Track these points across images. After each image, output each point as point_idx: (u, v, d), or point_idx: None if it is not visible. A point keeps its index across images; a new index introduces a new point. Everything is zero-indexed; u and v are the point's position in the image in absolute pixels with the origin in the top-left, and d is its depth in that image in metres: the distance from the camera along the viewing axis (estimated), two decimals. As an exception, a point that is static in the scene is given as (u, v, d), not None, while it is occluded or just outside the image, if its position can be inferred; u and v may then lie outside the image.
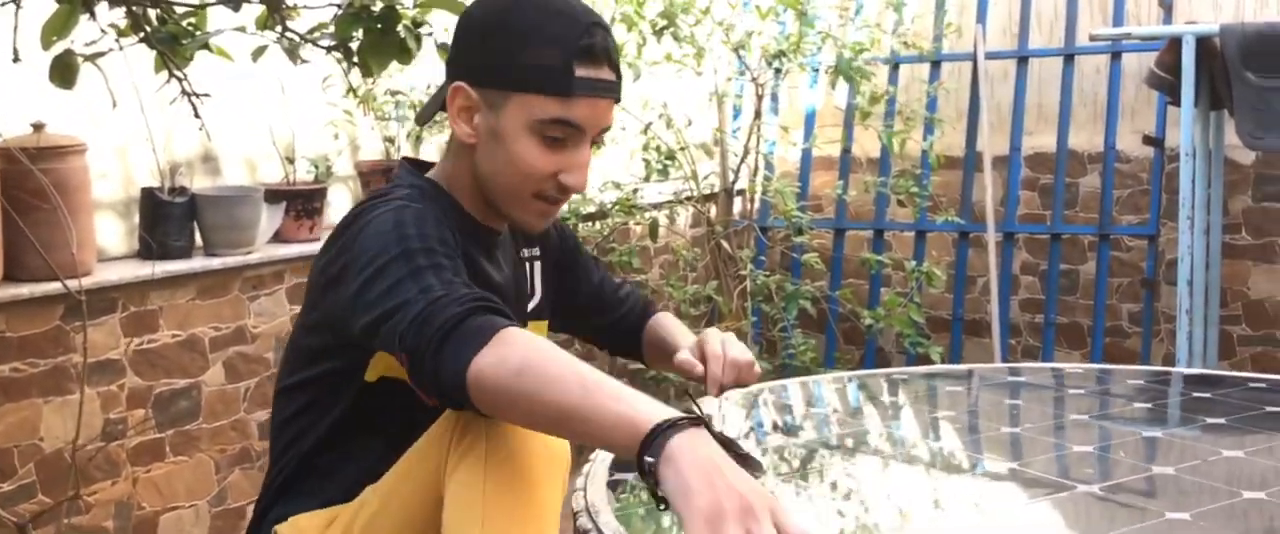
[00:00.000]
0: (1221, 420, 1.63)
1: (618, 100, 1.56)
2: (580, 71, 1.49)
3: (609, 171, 3.89)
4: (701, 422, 1.13)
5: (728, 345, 1.67)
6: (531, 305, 1.75)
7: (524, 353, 1.22)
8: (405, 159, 1.71)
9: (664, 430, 1.10)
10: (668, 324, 1.89)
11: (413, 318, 1.30)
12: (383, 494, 1.45)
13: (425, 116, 1.74)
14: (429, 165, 1.69)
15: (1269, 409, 1.68)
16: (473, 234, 1.59)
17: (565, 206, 1.92)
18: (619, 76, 1.56)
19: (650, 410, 1.13)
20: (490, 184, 1.58)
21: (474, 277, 1.52)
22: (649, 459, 1.10)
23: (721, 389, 1.63)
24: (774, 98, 4.42)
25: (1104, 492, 1.33)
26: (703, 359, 1.66)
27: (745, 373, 1.65)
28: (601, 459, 1.47)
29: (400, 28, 2.12)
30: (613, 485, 1.37)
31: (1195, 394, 1.81)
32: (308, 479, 1.59)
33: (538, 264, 1.78)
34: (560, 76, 1.48)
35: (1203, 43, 3.47)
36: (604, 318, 1.87)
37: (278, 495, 1.62)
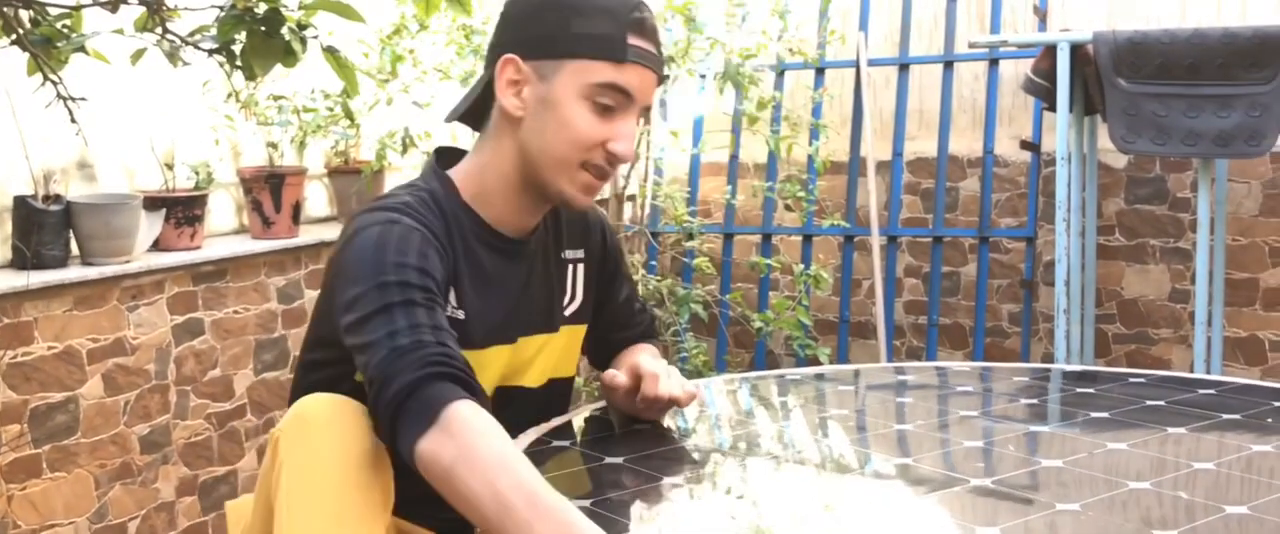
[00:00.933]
0: (1105, 415, 1.67)
1: (661, 80, 1.60)
2: (632, 41, 1.55)
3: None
4: None
5: (669, 371, 1.67)
6: (571, 309, 1.75)
7: (455, 449, 1.27)
8: (439, 149, 1.71)
9: None
10: (640, 348, 1.86)
11: (375, 365, 1.36)
12: (252, 504, 1.47)
13: (457, 114, 1.71)
14: (462, 154, 1.70)
15: (1149, 403, 1.74)
16: (486, 240, 1.63)
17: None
18: (662, 57, 1.60)
19: None
20: (539, 158, 1.58)
21: (478, 285, 1.58)
22: None
23: (652, 404, 1.63)
24: (662, 104, 4.44)
25: (995, 485, 1.36)
26: (638, 378, 1.65)
27: (682, 401, 1.65)
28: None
29: (285, 30, 2.09)
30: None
31: (1078, 390, 1.86)
32: None
33: (581, 267, 1.77)
34: (615, 43, 1.54)
35: (1077, 50, 3.58)
36: (612, 335, 1.85)
37: None
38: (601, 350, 1.91)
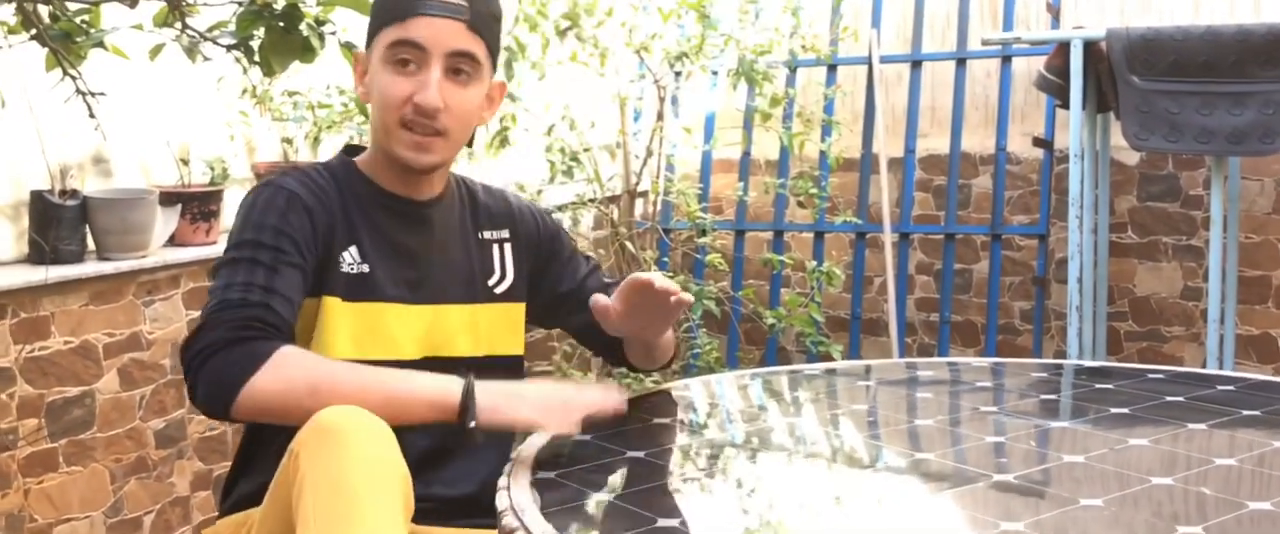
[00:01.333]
0: (1125, 410, 1.67)
1: (469, 24, 1.67)
2: None
3: (513, 173, 3.88)
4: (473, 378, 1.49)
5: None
6: (502, 287, 1.81)
7: (309, 374, 1.46)
8: (347, 145, 1.84)
9: (468, 394, 1.47)
10: None
11: (205, 312, 1.54)
12: (259, 517, 1.49)
13: None
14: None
15: (1168, 399, 1.74)
16: (385, 203, 1.73)
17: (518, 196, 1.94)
18: (465, 3, 1.66)
19: (443, 386, 1.49)
20: (375, 130, 1.72)
21: (381, 244, 1.69)
22: (471, 423, 1.46)
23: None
24: (674, 100, 4.44)
25: (1016, 480, 1.36)
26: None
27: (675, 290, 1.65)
28: (523, 458, 1.46)
29: (303, 26, 2.09)
30: (536, 483, 1.36)
31: (1096, 385, 1.85)
32: (261, 451, 1.66)
33: (508, 246, 1.83)
34: (400, 4, 1.66)
35: (1090, 47, 3.58)
36: (585, 317, 1.86)
37: (239, 469, 1.72)
38: (595, 334, 1.89)
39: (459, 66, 1.67)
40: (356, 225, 1.69)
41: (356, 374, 1.49)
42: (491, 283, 1.81)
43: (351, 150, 1.82)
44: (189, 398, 1.52)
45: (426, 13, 1.64)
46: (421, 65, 1.65)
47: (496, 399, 1.49)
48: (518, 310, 1.84)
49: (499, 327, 1.80)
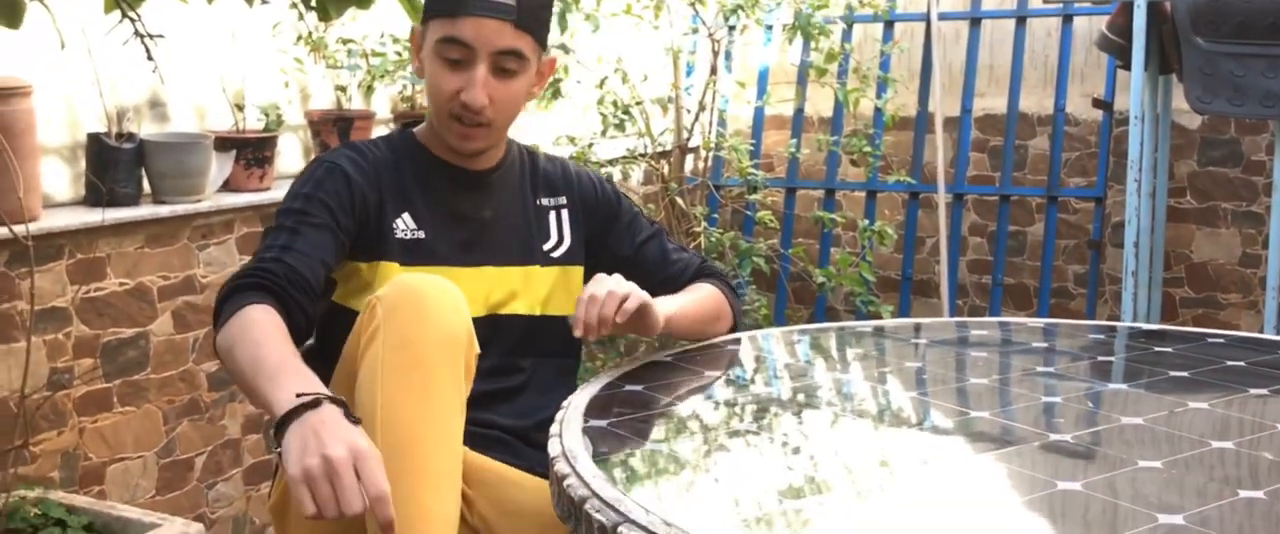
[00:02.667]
0: (1185, 374, 1.65)
1: (516, 23, 1.68)
2: None
3: (564, 126, 3.86)
4: (325, 401, 1.29)
5: (599, 284, 1.67)
6: (559, 251, 1.85)
7: (236, 335, 1.46)
8: (405, 124, 1.93)
9: (288, 417, 1.28)
10: (689, 288, 1.90)
11: None
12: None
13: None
14: None
15: (1229, 363, 1.71)
16: (440, 170, 1.79)
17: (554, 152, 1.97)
18: (510, 3, 1.67)
19: (286, 398, 1.30)
20: (429, 113, 1.78)
21: (436, 209, 1.75)
22: (277, 450, 1.30)
23: (587, 329, 1.63)
24: (728, 54, 4.41)
25: (1073, 441, 1.35)
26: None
27: (608, 306, 1.63)
28: (575, 406, 1.47)
29: (360, -29, 2.08)
30: (587, 431, 1.36)
31: (1155, 349, 1.83)
32: None
33: (564, 212, 1.87)
34: (451, 1, 1.67)
35: (1154, 6, 3.50)
36: (649, 280, 1.88)
37: None
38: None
39: (505, 65, 1.70)
40: (411, 193, 1.76)
41: (251, 349, 1.42)
42: (547, 247, 1.85)
43: (410, 125, 1.88)
44: None
45: (474, 12, 1.66)
46: (469, 63, 1.69)
47: (293, 443, 1.26)
48: (575, 273, 1.87)
49: (556, 289, 1.84)
